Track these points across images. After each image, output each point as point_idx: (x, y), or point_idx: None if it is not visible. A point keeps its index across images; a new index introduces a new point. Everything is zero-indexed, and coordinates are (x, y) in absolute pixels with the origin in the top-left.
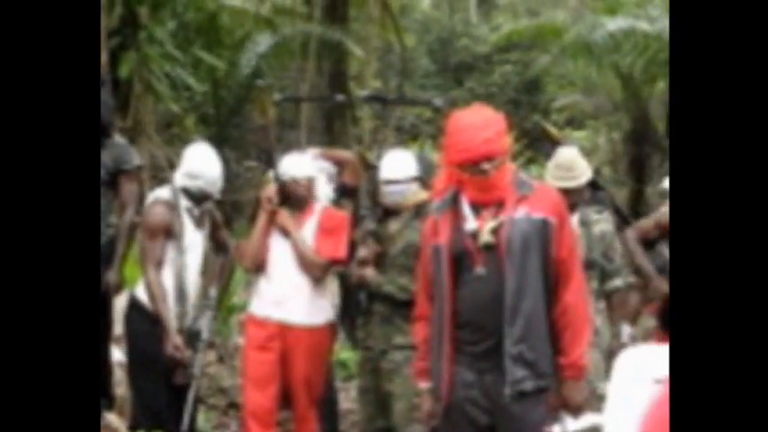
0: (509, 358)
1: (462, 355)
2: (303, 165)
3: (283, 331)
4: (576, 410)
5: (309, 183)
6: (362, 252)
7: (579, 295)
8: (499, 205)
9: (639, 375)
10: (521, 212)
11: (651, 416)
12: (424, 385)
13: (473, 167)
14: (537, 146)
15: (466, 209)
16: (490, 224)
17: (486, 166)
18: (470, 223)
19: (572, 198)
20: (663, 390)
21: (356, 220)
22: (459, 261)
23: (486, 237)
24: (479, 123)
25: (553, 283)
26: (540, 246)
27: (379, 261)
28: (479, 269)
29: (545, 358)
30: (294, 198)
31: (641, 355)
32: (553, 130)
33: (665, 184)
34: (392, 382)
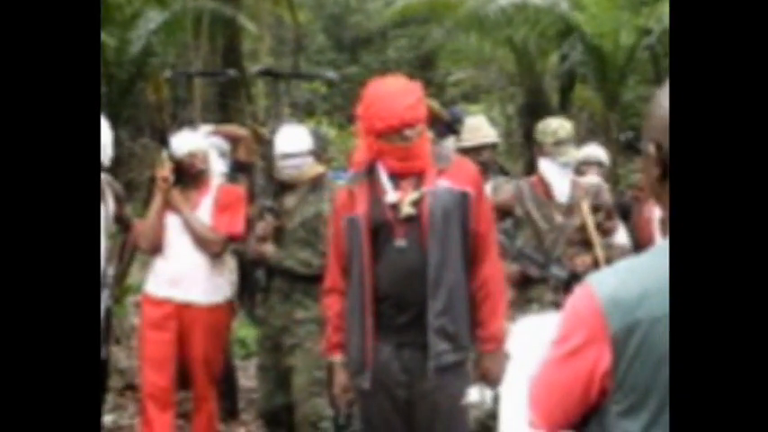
0: (431, 331)
1: (381, 330)
2: (197, 140)
3: (180, 310)
4: (495, 381)
5: (205, 156)
6: (260, 228)
7: (496, 267)
8: (418, 177)
9: (534, 342)
10: (442, 184)
11: (536, 379)
12: (337, 359)
13: (395, 135)
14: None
15: (384, 180)
16: (412, 196)
17: (408, 132)
18: (390, 195)
19: (482, 158)
20: (548, 353)
21: (251, 196)
22: (378, 233)
23: (407, 208)
24: (400, 91)
25: (471, 256)
26: (461, 218)
27: (278, 236)
28: (400, 241)
29: (465, 331)
30: (190, 175)
31: (536, 322)
32: (434, 105)
33: (584, 152)
34: (294, 356)
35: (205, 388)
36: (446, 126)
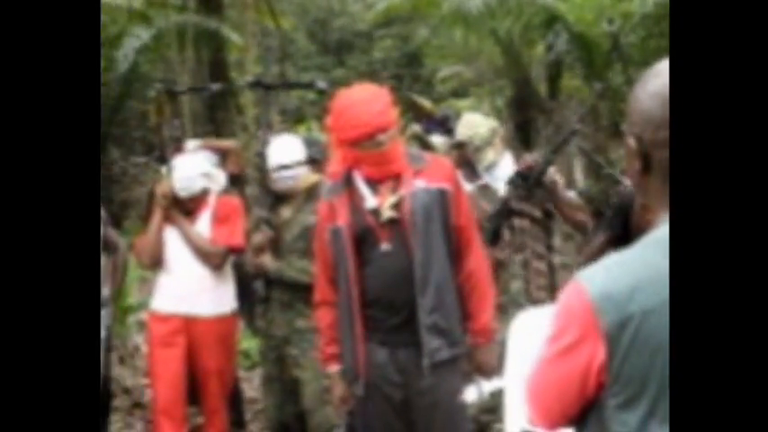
0: (424, 329)
1: (373, 334)
2: (196, 178)
3: (188, 325)
4: (490, 373)
5: (205, 193)
6: (257, 239)
7: (481, 260)
8: (395, 180)
9: (531, 337)
10: (419, 184)
11: (532, 377)
12: (333, 369)
13: (368, 142)
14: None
15: (362, 187)
16: (391, 199)
17: (381, 137)
18: (370, 201)
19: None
20: (542, 351)
21: (246, 208)
22: (363, 240)
23: (387, 212)
24: (367, 98)
25: (455, 251)
26: (441, 215)
27: (275, 247)
28: (385, 245)
29: (456, 326)
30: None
31: (533, 317)
32: (424, 103)
33: None
34: (299, 367)
35: (217, 401)
36: (439, 124)
